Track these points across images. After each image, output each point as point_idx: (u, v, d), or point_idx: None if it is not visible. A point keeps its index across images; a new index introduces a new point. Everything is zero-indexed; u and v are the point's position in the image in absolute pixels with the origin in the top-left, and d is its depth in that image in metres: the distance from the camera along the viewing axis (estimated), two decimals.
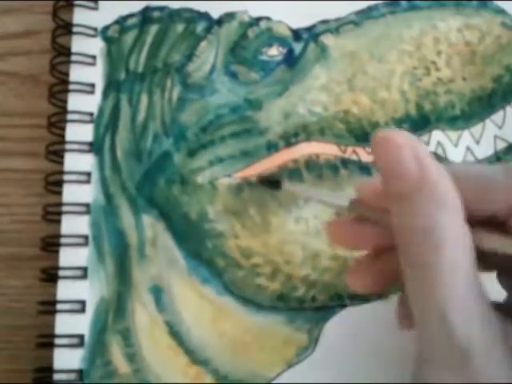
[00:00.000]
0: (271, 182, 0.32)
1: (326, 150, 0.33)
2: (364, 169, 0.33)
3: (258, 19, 0.34)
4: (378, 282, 0.26)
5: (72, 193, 0.33)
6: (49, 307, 0.32)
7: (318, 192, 0.31)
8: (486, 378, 0.20)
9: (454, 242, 0.22)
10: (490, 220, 0.23)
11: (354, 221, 0.27)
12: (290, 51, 0.34)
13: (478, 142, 0.33)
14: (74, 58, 0.34)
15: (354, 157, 0.33)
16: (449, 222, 0.22)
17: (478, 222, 0.23)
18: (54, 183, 0.33)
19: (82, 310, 0.32)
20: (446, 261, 0.21)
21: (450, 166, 0.25)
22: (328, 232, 0.28)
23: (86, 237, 0.32)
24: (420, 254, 0.22)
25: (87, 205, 0.33)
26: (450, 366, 0.21)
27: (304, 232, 0.32)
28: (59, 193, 0.33)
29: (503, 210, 0.23)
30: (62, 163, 0.33)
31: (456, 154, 0.33)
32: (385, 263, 0.26)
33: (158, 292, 0.32)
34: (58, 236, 0.32)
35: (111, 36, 0.35)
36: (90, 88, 0.34)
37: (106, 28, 0.35)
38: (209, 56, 0.34)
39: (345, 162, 0.33)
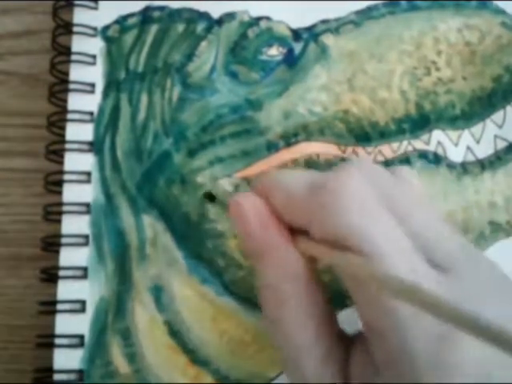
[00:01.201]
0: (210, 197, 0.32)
1: (325, 149, 0.33)
2: None
3: (258, 19, 0.34)
4: None
5: (72, 192, 0.33)
6: (49, 307, 0.31)
7: None
8: None
9: (297, 298, 0.23)
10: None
11: None
12: (290, 51, 0.34)
13: (478, 142, 0.34)
14: (73, 57, 0.34)
15: (353, 157, 0.33)
16: (289, 284, 0.24)
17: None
18: (54, 183, 0.33)
19: (82, 310, 0.32)
20: (289, 315, 0.23)
21: (272, 172, 0.27)
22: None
23: (86, 237, 0.32)
24: (269, 310, 0.24)
25: (87, 205, 0.33)
26: None
27: None
28: (59, 193, 0.33)
29: (305, 226, 0.24)
30: (62, 163, 0.33)
31: (456, 154, 0.33)
32: None
33: (157, 292, 0.32)
34: (58, 236, 0.32)
35: (111, 36, 0.35)
36: (90, 88, 0.34)
37: (106, 28, 0.35)
38: (209, 56, 0.34)
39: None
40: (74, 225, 0.32)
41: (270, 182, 0.26)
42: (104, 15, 0.35)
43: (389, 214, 0.23)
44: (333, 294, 0.32)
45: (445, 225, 0.24)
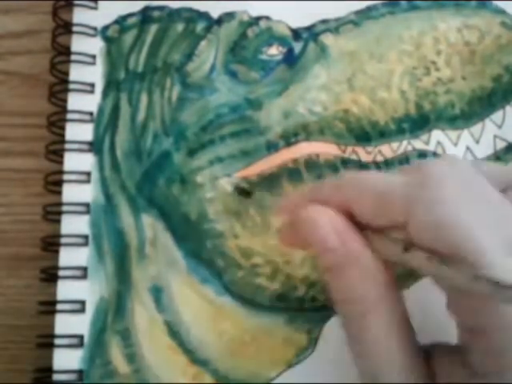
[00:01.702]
0: (245, 192, 0.32)
1: (325, 149, 0.33)
2: (364, 169, 0.33)
3: (258, 19, 0.34)
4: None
5: (72, 192, 0.33)
6: (49, 307, 0.32)
7: None
8: None
9: (379, 311, 0.23)
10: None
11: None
12: (290, 51, 0.34)
13: (477, 142, 0.33)
14: (73, 57, 0.34)
15: (353, 156, 0.33)
16: (374, 292, 0.23)
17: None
18: (54, 183, 0.33)
19: (82, 310, 0.32)
20: (375, 325, 0.23)
21: (351, 175, 0.26)
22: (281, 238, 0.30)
23: (85, 237, 0.32)
24: (349, 324, 0.24)
25: (87, 204, 0.33)
26: None
27: None
28: (59, 192, 0.33)
29: (400, 222, 0.23)
30: (61, 163, 0.33)
31: (456, 154, 0.33)
32: None
33: (157, 292, 0.32)
34: (58, 236, 0.32)
35: (111, 36, 0.35)
36: (89, 87, 0.34)
37: (106, 28, 0.35)
38: (209, 55, 0.34)
39: (344, 162, 0.33)
40: (73, 225, 0.32)
41: (351, 187, 0.25)
42: (104, 15, 0.35)
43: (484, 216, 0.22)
44: None
45: None
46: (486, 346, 0.22)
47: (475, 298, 0.21)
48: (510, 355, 0.21)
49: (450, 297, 0.23)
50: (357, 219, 0.24)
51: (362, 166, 0.33)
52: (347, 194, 0.25)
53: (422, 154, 0.33)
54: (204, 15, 0.35)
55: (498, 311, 0.21)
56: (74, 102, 0.34)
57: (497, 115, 0.34)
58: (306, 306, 0.32)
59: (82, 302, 0.32)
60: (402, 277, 0.31)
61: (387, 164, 0.33)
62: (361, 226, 0.24)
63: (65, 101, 0.34)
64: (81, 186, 0.33)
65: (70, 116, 0.33)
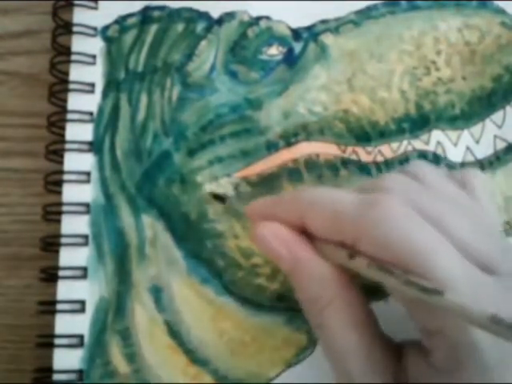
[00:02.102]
0: (219, 198, 0.32)
1: (325, 149, 0.33)
2: (364, 169, 0.33)
3: (258, 19, 0.34)
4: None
5: (72, 192, 0.33)
6: (49, 307, 0.32)
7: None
8: None
9: (334, 305, 0.25)
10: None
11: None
12: (290, 51, 0.34)
13: (477, 142, 0.33)
14: (73, 57, 0.34)
15: (353, 157, 0.33)
16: (327, 290, 0.25)
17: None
18: (54, 183, 0.33)
19: (82, 310, 0.32)
20: (331, 320, 0.25)
21: (308, 191, 0.28)
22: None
23: (85, 236, 0.32)
24: (312, 320, 0.26)
25: (87, 204, 0.33)
26: None
27: None
28: (59, 192, 0.33)
29: (349, 240, 0.25)
30: (61, 163, 0.33)
31: (455, 154, 0.33)
32: None
33: (157, 292, 0.32)
34: (58, 236, 0.32)
35: (111, 36, 0.35)
36: (89, 87, 0.34)
37: (106, 28, 0.35)
38: (209, 55, 0.34)
39: (344, 162, 0.33)
40: (73, 225, 0.32)
41: (309, 200, 0.26)
42: (104, 15, 0.35)
43: (433, 228, 0.23)
44: None
45: (480, 225, 0.25)
46: (443, 346, 0.23)
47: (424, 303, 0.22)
48: (466, 352, 0.22)
49: (405, 304, 0.25)
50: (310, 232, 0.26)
51: (362, 166, 0.33)
52: (302, 211, 0.26)
53: (422, 154, 0.33)
54: (204, 15, 0.35)
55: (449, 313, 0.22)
56: (74, 102, 0.34)
57: (497, 115, 0.34)
58: None
59: (82, 302, 0.32)
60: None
61: (387, 164, 0.33)
62: (313, 237, 0.27)
63: (65, 101, 0.34)
64: (81, 186, 0.33)
65: (69, 116, 0.33)
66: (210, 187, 0.32)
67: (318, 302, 0.25)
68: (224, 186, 0.32)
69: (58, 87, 0.34)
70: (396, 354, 0.25)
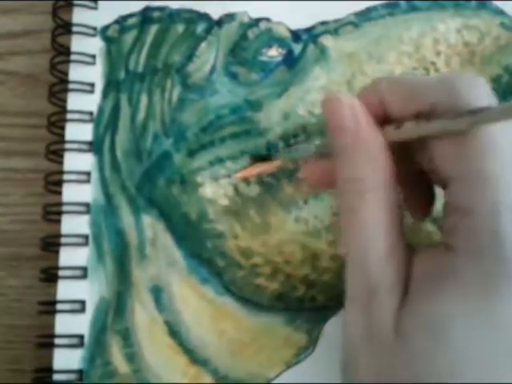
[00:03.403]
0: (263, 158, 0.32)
1: None
2: None
3: (258, 20, 0.34)
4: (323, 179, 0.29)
5: (72, 192, 0.33)
6: (49, 307, 0.32)
7: (298, 151, 0.31)
8: (383, 320, 0.23)
9: (376, 193, 0.25)
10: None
11: (320, 160, 0.29)
12: (290, 52, 0.34)
13: None
14: (73, 57, 0.34)
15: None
16: (375, 174, 0.25)
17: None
18: (54, 183, 0.33)
19: (82, 310, 0.32)
20: (367, 206, 0.24)
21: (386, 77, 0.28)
22: (304, 176, 0.30)
23: (85, 236, 0.32)
24: (347, 201, 0.25)
25: (87, 204, 0.33)
26: (360, 303, 0.24)
27: (304, 232, 0.32)
28: (59, 192, 0.33)
29: (427, 109, 0.25)
30: (61, 163, 0.33)
31: None
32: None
33: (157, 292, 0.32)
34: (58, 236, 0.32)
35: (111, 36, 0.35)
36: (89, 87, 0.34)
37: (106, 28, 0.35)
38: (209, 57, 0.34)
39: None
40: (73, 225, 0.32)
41: (386, 80, 0.27)
42: (104, 15, 0.35)
43: None
44: (333, 294, 0.32)
45: None
46: (466, 226, 0.23)
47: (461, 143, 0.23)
48: (488, 235, 0.22)
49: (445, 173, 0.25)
50: (387, 112, 0.26)
51: None
52: (381, 85, 0.26)
53: None
54: (204, 16, 0.35)
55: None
56: (74, 101, 0.34)
57: None
58: (306, 306, 0.32)
59: (82, 302, 0.32)
60: None
61: None
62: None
63: (65, 101, 0.34)
64: (81, 185, 0.33)
65: (69, 116, 0.33)
66: (207, 183, 0.32)
67: (364, 184, 0.25)
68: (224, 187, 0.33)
69: (58, 87, 0.34)
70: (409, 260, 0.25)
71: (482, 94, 0.25)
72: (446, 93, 0.24)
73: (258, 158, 0.32)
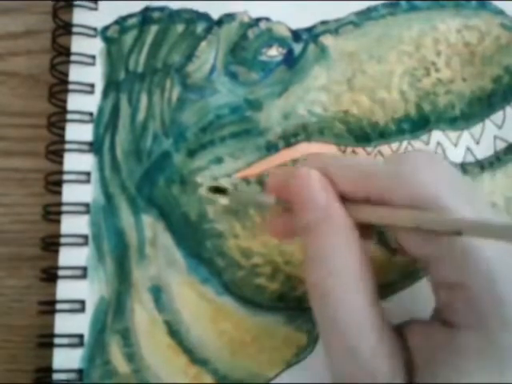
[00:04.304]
0: (218, 190, 0.32)
1: (325, 150, 0.33)
2: None
3: (258, 20, 0.34)
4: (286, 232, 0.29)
5: (72, 193, 0.33)
6: (49, 307, 0.32)
7: (242, 195, 0.32)
8: None
9: (349, 267, 0.24)
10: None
11: (283, 213, 0.29)
12: (290, 52, 0.34)
13: (477, 143, 0.34)
14: (73, 58, 0.34)
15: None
16: (345, 252, 0.24)
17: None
18: (54, 183, 0.33)
19: (82, 310, 0.32)
20: (342, 283, 0.24)
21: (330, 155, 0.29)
22: (268, 229, 0.31)
23: (85, 236, 0.32)
24: (319, 280, 0.24)
25: (87, 205, 0.33)
26: None
27: None
28: (59, 193, 0.33)
29: (376, 195, 0.25)
30: (61, 163, 0.33)
31: (456, 154, 0.33)
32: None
33: (157, 292, 0.32)
34: (58, 236, 0.32)
35: (111, 36, 0.35)
36: (89, 88, 0.34)
37: (106, 28, 0.35)
38: (209, 56, 0.34)
39: None
40: (73, 225, 0.32)
41: (335, 161, 0.27)
42: (104, 16, 0.35)
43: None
44: None
45: None
46: (465, 299, 0.22)
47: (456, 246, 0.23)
48: (490, 304, 0.22)
49: (427, 257, 0.24)
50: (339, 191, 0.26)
51: None
52: (330, 166, 0.26)
53: None
54: (204, 16, 0.35)
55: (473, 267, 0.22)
56: (74, 102, 0.34)
57: (497, 116, 0.34)
58: (306, 306, 0.32)
59: (82, 302, 0.32)
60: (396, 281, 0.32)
61: None
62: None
63: (65, 101, 0.34)
64: (81, 186, 0.33)
65: (69, 116, 0.33)
66: (207, 183, 0.32)
67: (333, 262, 0.24)
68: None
69: (58, 87, 0.34)
70: (401, 338, 0.24)
71: (426, 179, 0.24)
72: (392, 181, 0.24)
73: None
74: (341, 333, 0.23)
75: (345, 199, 0.26)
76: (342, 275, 0.24)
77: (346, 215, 0.25)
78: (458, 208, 0.23)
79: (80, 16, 0.35)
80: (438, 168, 0.25)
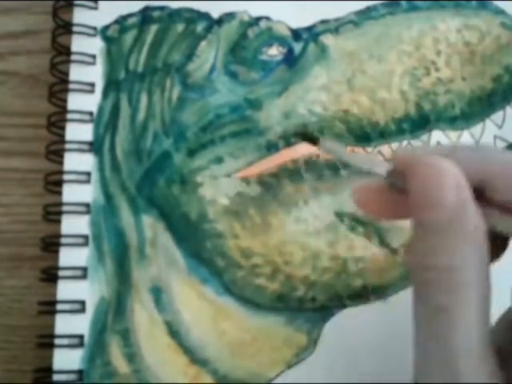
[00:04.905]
0: (309, 138, 0.27)
1: None
2: None
3: (258, 19, 0.34)
4: (386, 212, 0.25)
5: (72, 193, 0.33)
6: (49, 307, 0.32)
7: (356, 157, 0.26)
8: None
9: (472, 287, 0.20)
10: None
11: (383, 189, 0.24)
12: (290, 51, 0.34)
13: (477, 142, 0.34)
14: (73, 57, 0.34)
15: None
16: (473, 263, 0.21)
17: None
18: (54, 183, 0.33)
19: (82, 310, 0.32)
20: (461, 307, 0.20)
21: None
22: (354, 196, 0.25)
23: (85, 237, 0.32)
24: (433, 294, 0.21)
25: (87, 205, 0.33)
26: None
27: (304, 232, 0.32)
28: (59, 193, 0.33)
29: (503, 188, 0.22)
30: (61, 163, 0.33)
31: None
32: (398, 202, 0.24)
33: (157, 292, 0.32)
34: (58, 236, 0.32)
35: (111, 35, 0.35)
36: (89, 87, 0.34)
37: (106, 28, 0.35)
38: (209, 56, 0.34)
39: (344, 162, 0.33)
40: (73, 225, 0.32)
41: (493, 158, 0.23)
42: (104, 15, 0.35)
43: None
44: (333, 295, 0.32)
45: None
46: None
47: None
48: None
49: None
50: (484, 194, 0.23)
51: None
52: (488, 163, 0.22)
53: None
54: (204, 15, 0.35)
55: None
56: (74, 102, 0.34)
57: (497, 115, 0.34)
58: (306, 306, 0.32)
59: (82, 302, 0.32)
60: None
61: None
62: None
63: (65, 101, 0.34)
64: (81, 186, 0.33)
65: (70, 116, 0.33)
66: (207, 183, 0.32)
67: (459, 276, 0.21)
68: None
69: (58, 87, 0.34)
70: (504, 359, 0.22)
71: None
72: None
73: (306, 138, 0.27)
74: (445, 350, 0.21)
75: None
76: (462, 294, 0.21)
77: (480, 220, 0.21)
78: None
79: (80, 15, 0.35)
80: None
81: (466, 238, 0.21)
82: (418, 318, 0.22)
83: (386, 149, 0.33)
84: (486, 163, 0.23)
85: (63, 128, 0.33)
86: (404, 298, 0.31)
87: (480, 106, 0.34)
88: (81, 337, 0.31)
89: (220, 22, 0.34)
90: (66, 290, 0.32)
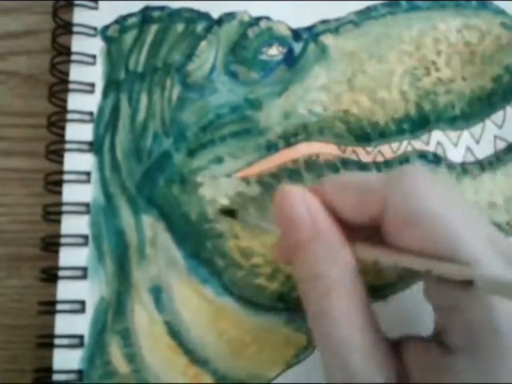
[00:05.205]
0: (228, 212, 0.32)
1: (325, 149, 0.33)
2: (363, 169, 0.33)
3: (258, 19, 0.34)
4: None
5: (72, 192, 0.33)
6: (49, 307, 0.32)
7: (267, 222, 0.31)
8: None
9: (342, 288, 0.23)
10: (370, 232, 0.25)
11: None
12: (290, 51, 0.34)
13: (477, 142, 0.33)
14: (73, 57, 0.34)
15: (353, 157, 0.33)
16: (338, 270, 0.23)
17: (360, 236, 0.25)
18: (54, 183, 0.33)
19: (82, 310, 0.32)
20: (336, 304, 0.23)
21: (331, 178, 0.28)
22: (274, 253, 0.29)
23: (85, 237, 0.32)
24: (312, 302, 0.24)
25: (87, 205, 0.33)
26: None
27: None
28: (59, 193, 0.33)
29: (377, 212, 0.24)
30: (61, 163, 0.33)
31: (456, 154, 0.33)
32: None
33: (157, 292, 0.32)
34: (58, 236, 0.32)
35: (111, 35, 0.35)
36: (89, 87, 0.34)
37: (106, 27, 0.35)
38: (209, 56, 0.34)
39: (344, 162, 0.33)
40: (73, 225, 0.32)
41: (332, 184, 0.26)
42: (104, 15, 0.35)
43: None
44: None
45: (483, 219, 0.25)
46: (460, 323, 0.22)
47: (448, 285, 0.22)
48: (483, 330, 0.21)
49: (426, 284, 0.24)
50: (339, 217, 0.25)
51: (362, 166, 0.33)
52: (329, 191, 0.25)
53: (422, 155, 0.33)
54: (204, 15, 0.35)
55: (471, 293, 0.22)
56: (74, 102, 0.34)
57: (497, 115, 0.34)
58: None
59: (82, 302, 0.32)
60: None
61: (387, 164, 0.33)
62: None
63: (65, 101, 0.34)
64: (81, 186, 0.33)
65: (70, 116, 0.33)
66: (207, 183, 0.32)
67: (327, 282, 0.23)
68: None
69: (58, 87, 0.34)
70: (395, 351, 0.24)
71: (422, 194, 0.23)
72: (395, 190, 0.23)
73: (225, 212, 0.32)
74: (334, 348, 0.23)
75: (347, 228, 0.25)
76: (334, 296, 0.23)
77: (334, 230, 0.24)
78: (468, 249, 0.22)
79: (80, 15, 0.35)
80: (431, 183, 0.24)
81: (324, 247, 0.24)
82: (309, 325, 0.25)
83: (386, 149, 0.33)
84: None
85: (63, 128, 0.33)
86: (404, 298, 0.31)
87: (480, 106, 0.34)
88: (81, 337, 0.31)
89: (220, 22, 0.34)
90: (65, 290, 0.32)
